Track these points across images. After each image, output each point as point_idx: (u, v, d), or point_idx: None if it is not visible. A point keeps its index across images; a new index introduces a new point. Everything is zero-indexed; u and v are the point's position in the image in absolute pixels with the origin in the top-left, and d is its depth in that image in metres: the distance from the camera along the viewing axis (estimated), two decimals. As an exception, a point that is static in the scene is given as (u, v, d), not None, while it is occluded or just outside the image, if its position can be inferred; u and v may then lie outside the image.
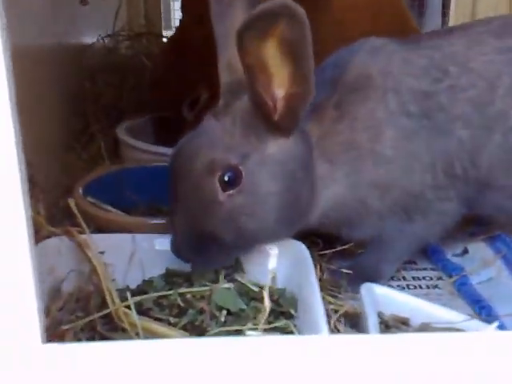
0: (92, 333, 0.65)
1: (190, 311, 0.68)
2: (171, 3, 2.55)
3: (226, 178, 0.70)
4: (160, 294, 0.70)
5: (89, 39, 1.61)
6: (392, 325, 0.69)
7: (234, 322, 0.67)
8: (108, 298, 0.64)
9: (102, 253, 0.73)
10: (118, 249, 0.76)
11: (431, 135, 0.81)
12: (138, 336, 0.62)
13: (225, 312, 0.68)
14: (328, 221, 0.84)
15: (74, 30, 1.44)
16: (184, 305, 0.68)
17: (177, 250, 0.73)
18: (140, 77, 1.57)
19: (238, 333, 0.65)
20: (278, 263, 0.80)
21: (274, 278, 0.79)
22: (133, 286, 0.74)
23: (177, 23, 2.59)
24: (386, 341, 0.52)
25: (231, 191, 0.70)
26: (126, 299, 0.66)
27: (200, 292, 0.71)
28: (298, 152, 0.76)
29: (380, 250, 0.90)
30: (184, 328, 0.67)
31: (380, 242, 0.89)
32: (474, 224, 1.01)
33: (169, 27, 2.57)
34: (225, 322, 0.67)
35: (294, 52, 0.66)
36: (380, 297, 0.72)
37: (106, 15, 1.77)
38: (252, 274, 0.78)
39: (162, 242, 0.79)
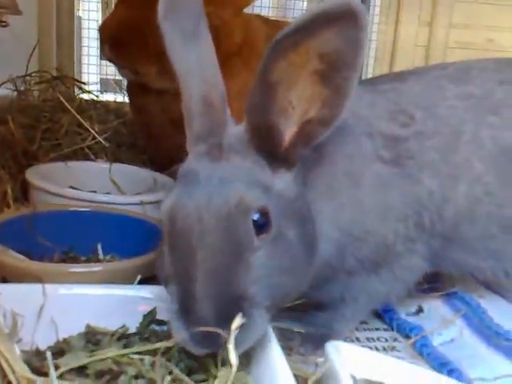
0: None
1: (122, 378, 0.53)
2: (83, 48, 2.44)
3: (259, 220, 0.58)
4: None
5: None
6: (366, 390, 0.58)
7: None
8: (4, 364, 0.50)
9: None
10: (25, 301, 0.63)
11: (404, 184, 0.75)
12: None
13: (169, 378, 0.53)
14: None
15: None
16: (117, 369, 0.54)
17: (204, 325, 0.54)
18: (55, 120, 1.43)
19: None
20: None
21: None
22: (44, 346, 0.61)
23: (91, 69, 2.49)
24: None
25: (263, 235, 0.58)
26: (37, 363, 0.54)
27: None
28: (299, 188, 0.66)
29: (336, 308, 0.80)
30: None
31: (339, 300, 0.79)
32: (427, 281, 0.93)
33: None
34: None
35: (338, 65, 0.56)
36: (350, 357, 0.61)
37: (17, 56, 1.64)
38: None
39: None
